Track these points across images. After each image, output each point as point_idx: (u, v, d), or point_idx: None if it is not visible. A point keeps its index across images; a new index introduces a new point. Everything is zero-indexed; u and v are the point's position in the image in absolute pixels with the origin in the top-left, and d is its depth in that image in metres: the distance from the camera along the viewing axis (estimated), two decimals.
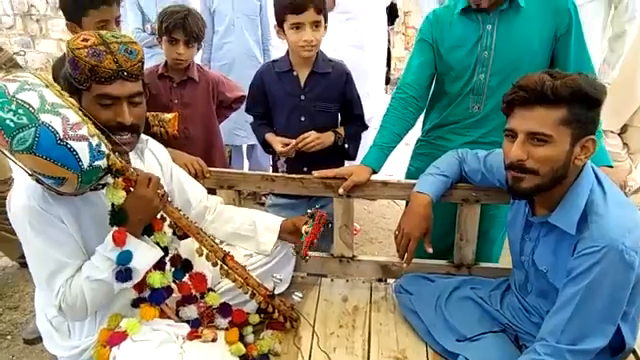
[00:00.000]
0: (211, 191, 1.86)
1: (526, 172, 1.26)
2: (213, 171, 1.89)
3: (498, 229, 1.92)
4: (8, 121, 1.04)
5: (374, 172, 1.81)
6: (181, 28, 2.10)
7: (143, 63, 1.31)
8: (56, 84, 1.17)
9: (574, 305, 1.23)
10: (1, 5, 7.18)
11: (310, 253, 1.86)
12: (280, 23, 1.84)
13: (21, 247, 2.55)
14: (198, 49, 2.27)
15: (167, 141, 1.87)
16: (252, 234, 1.70)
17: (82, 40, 1.22)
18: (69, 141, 1.09)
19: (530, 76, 1.25)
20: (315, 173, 1.80)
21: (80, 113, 1.15)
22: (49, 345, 1.49)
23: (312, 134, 1.89)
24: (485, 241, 1.82)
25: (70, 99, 1.16)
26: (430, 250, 1.62)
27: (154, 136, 1.96)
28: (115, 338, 1.30)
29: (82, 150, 1.11)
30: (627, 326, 1.31)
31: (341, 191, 1.77)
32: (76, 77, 1.22)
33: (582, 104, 1.21)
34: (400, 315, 1.74)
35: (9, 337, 2.27)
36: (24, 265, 2.56)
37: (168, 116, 2.01)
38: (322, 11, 1.81)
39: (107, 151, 1.18)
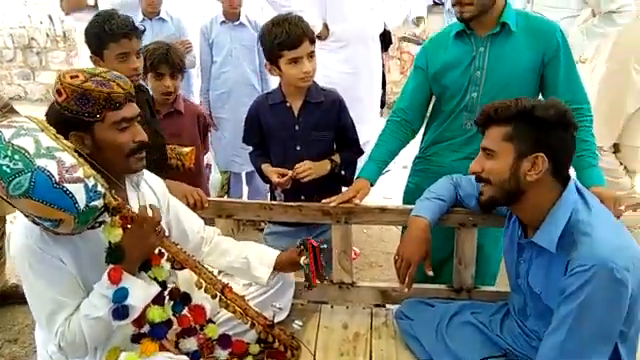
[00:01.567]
0: (210, 220, 1.88)
1: (482, 182, 1.41)
2: (212, 200, 1.91)
3: (493, 244, 1.94)
4: (4, 167, 1.06)
5: (372, 184, 1.90)
6: (165, 62, 2.23)
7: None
8: (51, 127, 1.18)
9: (568, 325, 1.23)
10: (2, 39, 7.29)
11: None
12: (274, 60, 1.87)
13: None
14: (181, 79, 2.40)
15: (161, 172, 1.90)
16: (246, 268, 1.69)
17: (72, 78, 1.23)
18: (65, 184, 1.11)
19: (495, 103, 1.38)
20: (324, 201, 1.83)
21: (76, 155, 1.16)
22: None
23: (306, 164, 1.91)
24: (481, 257, 1.83)
25: (66, 142, 1.18)
26: (430, 273, 1.63)
27: (170, 168, 2.08)
28: None
29: (78, 192, 1.13)
30: (625, 347, 1.30)
31: (357, 201, 1.81)
32: (88, 111, 1.24)
33: (527, 123, 1.31)
34: (401, 341, 1.73)
35: None
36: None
37: (186, 150, 2.11)
38: (314, 41, 1.87)
39: (103, 190, 1.20)
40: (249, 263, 1.69)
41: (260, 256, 1.71)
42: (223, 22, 3.17)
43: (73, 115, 1.24)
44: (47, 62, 7.31)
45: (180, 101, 2.39)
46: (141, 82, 2.04)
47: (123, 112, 1.28)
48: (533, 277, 1.41)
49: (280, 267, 1.69)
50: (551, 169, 1.30)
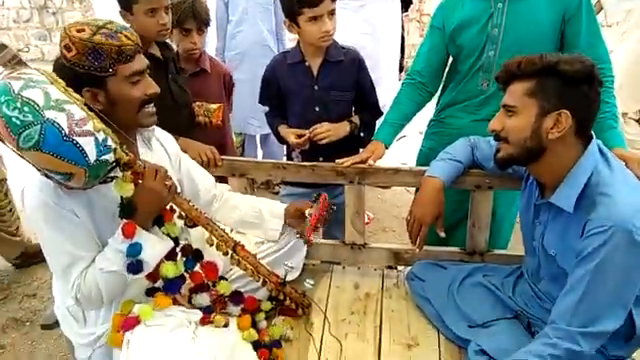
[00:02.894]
0: (223, 179, 1.88)
1: (500, 141, 1.37)
2: (225, 159, 1.90)
3: (507, 208, 1.92)
4: (14, 119, 1.05)
5: (386, 147, 1.87)
6: (192, 17, 2.13)
7: None
8: (61, 80, 1.16)
9: (583, 287, 1.21)
10: None
11: (322, 240, 1.87)
12: (293, 17, 1.82)
13: (17, 249, 2.61)
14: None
15: (186, 130, 1.90)
16: (258, 221, 1.71)
17: (79, 32, 1.20)
18: (75, 137, 1.10)
19: (514, 58, 1.33)
20: (338, 161, 1.80)
21: (85, 108, 1.15)
22: (66, 330, 1.52)
23: (324, 125, 1.88)
24: (494, 221, 1.81)
25: (75, 95, 1.16)
26: (442, 234, 1.61)
27: (198, 125, 2.07)
28: (128, 323, 1.32)
29: (88, 145, 1.12)
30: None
31: (372, 162, 1.79)
32: (100, 66, 1.22)
33: (552, 78, 1.25)
34: (412, 302, 1.74)
35: (28, 324, 2.33)
36: (19, 266, 2.66)
37: (213, 106, 2.09)
38: None
39: (114, 145, 1.19)
40: (261, 215, 1.70)
41: (270, 209, 1.72)
42: None
43: (85, 71, 1.22)
44: (63, 23, 7.29)
45: (206, 59, 2.33)
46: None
47: (134, 65, 1.27)
48: (548, 238, 1.38)
49: (288, 216, 1.70)
50: (574, 127, 1.25)
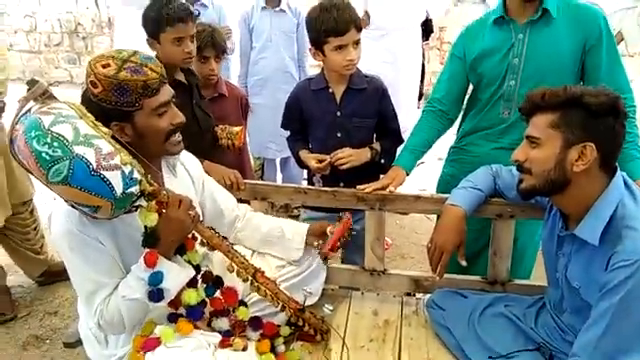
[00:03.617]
0: (245, 203, 1.90)
1: (523, 172, 1.36)
2: (247, 183, 1.92)
3: (528, 237, 1.90)
4: (44, 154, 1.08)
5: (407, 173, 1.88)
6: (210, 45, 2.23)
7: None
8: (89, 114, 1.19)
9: (607, 320, 1.19)
10: (50, 23, 7.56)
11: (341, 266, 1.87)
12: (319, 45, 1.86)
13: (40, 267, 2.66)
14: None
15: (207, 153, 1.93)
16: (280, 239, 1.72)
17: (104, 67, 1.22)
18: (102, 171, 1.12)
19: (537, 89, 1.33)
20: (359, 187, 1.81)
21: (113, 142, 1.18)
22: (88, 351, 1.54)
23: (346, 150, 1.90)
24: (516, 250, 1.79)
25: (103, 128, 1.19)
26: (464, 263, 1.60)
27: (220, 148, 2.12)
28: (149, 344, 1.33)
29: (115, 179, 1.14)
30: None
31: (392, 189, 1.79)
32: (127, 101, 1.24)
33: (576, 110, 1.25)
34: (431, 330, 1.72)
35: (48, 341, 2.35)
36: (42, 284, 2.70)
37: (236, 129, 2.14)
38: (360, 29, 1.85)
39: (140, 177, 1.21)
40: (284, 234, 1.72)
41: (292, 227, 1.74)
42: (264, 8, 3.19)
43: (112, 106, 1.24)
44: (92, 47, 7.54)
45: (223, 84, 2.41)
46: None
47: (160, 97, 1.29)
48: (572, 271, 1.36)
49: (310, 234, 1.72)
50: (599, 159, 1.25)
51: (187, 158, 1.61)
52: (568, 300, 1.42)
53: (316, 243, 1.71)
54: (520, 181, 1.39)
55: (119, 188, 1.15)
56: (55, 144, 1.09)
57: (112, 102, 1.23)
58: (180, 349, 1.33)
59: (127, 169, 1.17)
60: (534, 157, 1.32)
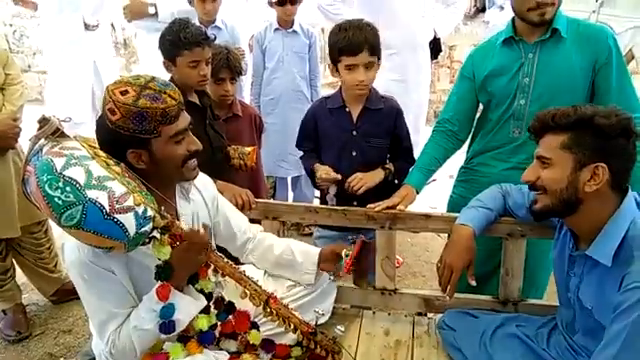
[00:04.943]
0: (256, 222, 1.92)
1: (537, 190, 1.36)
2: (259, 202, 1.95)
3: (540, 256, 1.88)
4: (56, 199, 1.08)
5: (417, 192, 1.89)
6: (226, 67, 2.25)
7: None
8: (102, 153, 1.20)
9: (621, 342, 1.17)
10: None
11: (352, 285, 1.87)
12: (334, 62, 1.90)
13: (54, 285, 2.68)
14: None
15: (220, 173, 1.96)
16: (292, 264, 1.72)
17: (123, 95, 1.20)
18: (116, 215, 1.12)
19: (550, 110, 1.33)
20: (369, 206, 1.82)
21: (125, 182, 1.17)
22: None
23: (358, 175, 1.92)
24: (526, 269, 1.78)
25: (116, 168, 1.19)
26: (473, 283, 1.60)
27: (233, 168, 2.14)
28: (158, 359, 1.34)
29: (128, 221, 1.14)
30: None
31: (402, 207, 1.80)
32: (145, 129, 1.22)
33: (587, 131, 1.26)
34: (443, 351, 1.71)
35: (62, 359, 2.36)
36: (56, 302, 2.72)
37: (247, 149, 2.16)
38: (376, 52, 1.87)
39: (153, 214, 1.21)
40: (295, 258, 1.71)
41: (304, 252, 1.74)
42: (277, 29, 3.25)
43: (130, 134, 1.22)
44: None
45: (237, 104, 2.44)
46: None
47: (178, 124, 1.28)
48: (584, 291, 1.36)
49: (323, 258, 1.71)
50: (610, 180, 1.25)
51: (201, 179, 1.60)
52: (580, 321, 1.41)
53: (332, 272, 1.72)
54: (534, 202, 1.39)
55: (132, 229, 1.15)
56: (67, 189, 1.08)
57: (130, 129, 1.21)
58: None
59: (140, 209, 1.16)
60: (546, 177, 1.32)
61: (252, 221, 1.85)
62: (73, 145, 1.18)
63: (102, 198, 1.10)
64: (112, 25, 7.39)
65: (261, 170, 2.68)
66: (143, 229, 1.18)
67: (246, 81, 3.59)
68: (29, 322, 2.58)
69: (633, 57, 2.72)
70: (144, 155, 1.27)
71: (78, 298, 2.59)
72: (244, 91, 3.62)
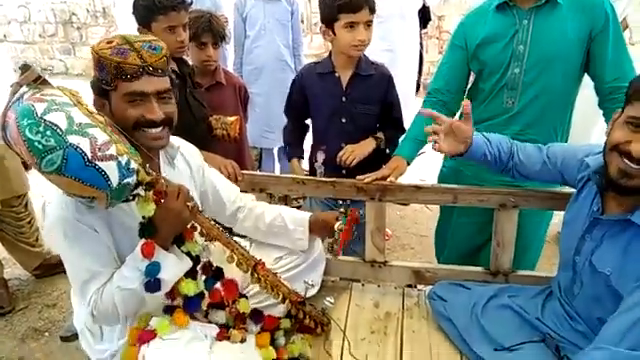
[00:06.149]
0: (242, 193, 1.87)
1: None
2: (245, 174, 1.90)
3: (533, 227, 1.87)
4: (36, 143, 1.04)
5: (408, 163, 1.86)
6: (209, 31, 2.18)
7: (168, 59, 1.32)
8: (84, 102, 1.17)
9: None
10: (44, 13, 7.47)
11: (342, 257, 1.85)
12: (330, 22, 1.84)
13: (37, 259, 2.63)
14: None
15: (203, 144, 1.90)
16: (283, 230, 1.70)
17: (107, 42, 1.24)
18: (97, 162, 1.09)
19: None
20: (359, 177, 1.79)
21: (108, 130, 1.14)
22: (83, 344, 1.52)
23: (347, 149, 1.90)
24: (519, 240, 1.76)
25: (98, 117, 1.16)
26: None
27: (216, 138, 2.08)
28: (144, 337, 1.30)
29: (111, 169, 1.11)
30: None
31: (393, 179, 1.77)
32: (103, 78, 1.24)
33: None
34: (433, 322, 1.70)
35: (47, 334, 2.33)
36: (39, 277, 2.69)
37: (230, 119, 2.09)
38: (374, 11, 1.84)
39: (136, 167, 1.18)
40: (286, 225, 1.69)
41: (293, 217, 1.70)
42: None
43: (96, 80, 1.27)
44: (87, 37, 7.46)
45: (221, 72, 2.37)
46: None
47: (135, 85, 1.25)
48: (601, 256, 1.31)
49: (314, 226, 1.69)
50: None
51: (187, 148, 1.58)
52: (586, 285, 1.38)
53: (326, 242, 1.69)
54: (628, 175, 1.21)
55: (115, 179, 1.12)
56: (48, 133, 1.04)
57: (96, 76, 1.27)
58: (176, 341, 1.30)
59: (123, 159, 1.13)
60: None
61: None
62: (55, 92, 1.15)
63: (84, 144, 1.07)
64: None
65: (245, 141, 2.62)
66: (126, 180, 1.15)
67: (230, 51, 3.50)
68: (12, 297, 2.55)
69: (627, 26, 2.68)
70: (106, 106, 1.29)
71: (62, 272, 2.62)
72: (228, 60, 3.54)
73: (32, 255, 2.64)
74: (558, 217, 1.86)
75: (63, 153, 1.05)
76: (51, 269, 2.68)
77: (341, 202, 1.70)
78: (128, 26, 3.05)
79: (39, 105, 1.07)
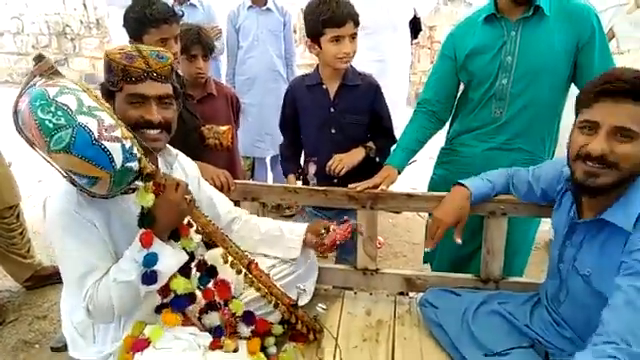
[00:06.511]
0: (235, 203, 1.88)
1: (606, 166, 1.20)
2: (238, 183, 1.91)
3: (522, 235, 1.89)
4: (47, 122, 1.09)
5: (399, 172, 1.88)
6: (198, 43, 2.21)
7: (173, 68, 1.39)
8: (93, 90, 1.22)
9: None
10: (37, 25, 7.48)
11: (334, 265, 1.86)
12: (316, 37, 1.86)
13: (28, 271, 2.62)
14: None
15: (195, 154, 1.91)
16: (279, 239, 1.71)
17: (119, 49, 1.34)
18: (103, 142, 1.13)
19: (624, 69, 1.22)
20: (350, 186, 1.81)
21: (115, 117, 1.20)
22: (73, 351, 1.51)
23: (335, 158, 1.92)
24: (508, 247, 1.77)
25: (105, 103, 1.22)
26: (459, 241, 1.60)
27: (208, 148, 2.10)
28: (138, 345, 1.31)
29: (115, 151, 1.15)
30: None
31: (384, 187, 1.79)
32: (110, 79, 1.32)
33: None
34: (425, 329, 1.71)
35: (37, 345, 2.31)
36: (30, 288, 2.67)
37: (222, 128, 2.12)
38: (358, 24, 1.87)
39: (139, 154, 1.22)
40: (283, 234, 1.71)
41: (290, 227, 1.73)
42: (250, 7, 3.19)
43: (105, 82, 1.35)
44: (81, 49, 7.47)
45: (212, 84, 2.39)
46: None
47: (139, 87, 1.32)
48: (582, 259, 1.34)
49: (309, 230, 1.71)
50: None
51: (185, 158, 1.63)
52: (569, 291, 1.40)
53: (315, 240, 1.70)
54: (592, 175, 1.23)
55: (119, 160, 1.16)
56: (59, 113, 1.10)
57: (104, 78, 1.35)
58: (169, 351, 1.31)
59: (127, 143, 1.18)
60: (626, 152, 1.18)
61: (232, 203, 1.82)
62: (66, 81, 1.21)
63: (92, 124, 1.13)
64: (84, 4, 7.19)
65: (237, 151, 2.64)
66: (129, 164, 1.19)
67: (224, 61, 3.52)
68: (2, 309, 2.53)
69: (614, 36, 2.73)
70: (111, 107, 1.31)
71: (53, 283, 2.61)
72: (222, 71, 3.56)
73: (23, 267, 2.63)
74: (547, 224, 1.89)
75: (72, 131, 1.10)
76: (42, 281, 2.66)
77: (345, 217, 1.73)
78: (122, 37, 3.08)
79: (51, 89, 1.14)
